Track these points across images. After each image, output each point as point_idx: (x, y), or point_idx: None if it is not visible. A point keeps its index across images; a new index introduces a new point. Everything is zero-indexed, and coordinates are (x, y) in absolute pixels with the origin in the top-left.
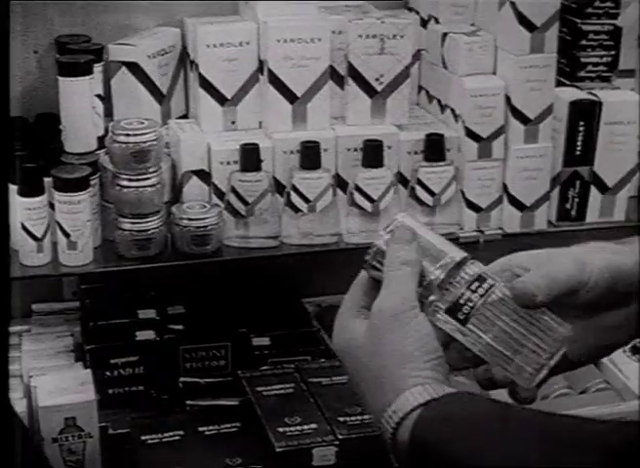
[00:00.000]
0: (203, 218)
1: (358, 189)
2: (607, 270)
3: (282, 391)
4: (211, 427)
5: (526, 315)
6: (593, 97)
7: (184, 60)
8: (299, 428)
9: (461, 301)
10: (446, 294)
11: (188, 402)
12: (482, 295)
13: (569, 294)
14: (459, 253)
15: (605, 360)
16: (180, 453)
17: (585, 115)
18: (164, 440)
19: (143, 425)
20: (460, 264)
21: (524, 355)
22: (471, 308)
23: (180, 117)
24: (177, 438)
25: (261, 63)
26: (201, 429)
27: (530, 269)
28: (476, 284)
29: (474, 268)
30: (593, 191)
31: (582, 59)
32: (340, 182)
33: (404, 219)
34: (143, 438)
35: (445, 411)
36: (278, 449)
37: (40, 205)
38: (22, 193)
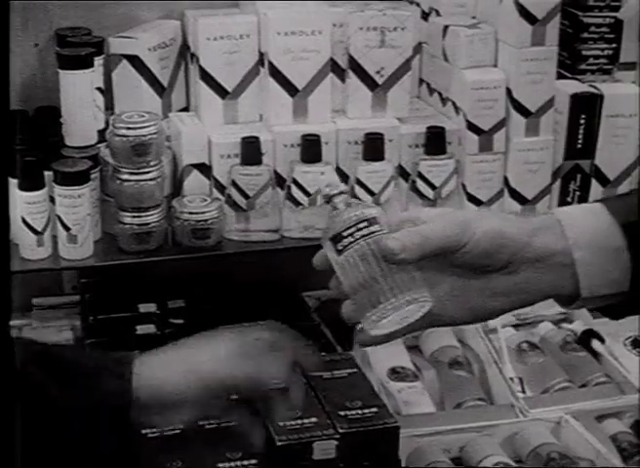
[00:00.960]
0: (204, 212)
1: (359, 182)
2: (490, 234)
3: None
4: (211, 421)
5: (389, 267)
6: (594, 90)
7: (185, 53)
8: (299, 422)
9: (344, 234)
10: (337, 224)
11: None
12: (364, 236)
13: (448, 253)
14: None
15: (605, 354)
16: (180, 447)
17: (587, 108)
18: (164, 433)
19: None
20: (361, 204)
21: (373, 300)
22: (349, 243)
23: (181, 110)
24: (177, 431)
25: (262, 56)
26: (201, 423)
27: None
28: (365, 223)
29: (371, 211)
30: (594, 184)
31: (584, 52)
32: (340, 176)
33: None
34: (144, 431)
35: None
36: (279, 443)
37: (40, 199)
38: (23, 187)
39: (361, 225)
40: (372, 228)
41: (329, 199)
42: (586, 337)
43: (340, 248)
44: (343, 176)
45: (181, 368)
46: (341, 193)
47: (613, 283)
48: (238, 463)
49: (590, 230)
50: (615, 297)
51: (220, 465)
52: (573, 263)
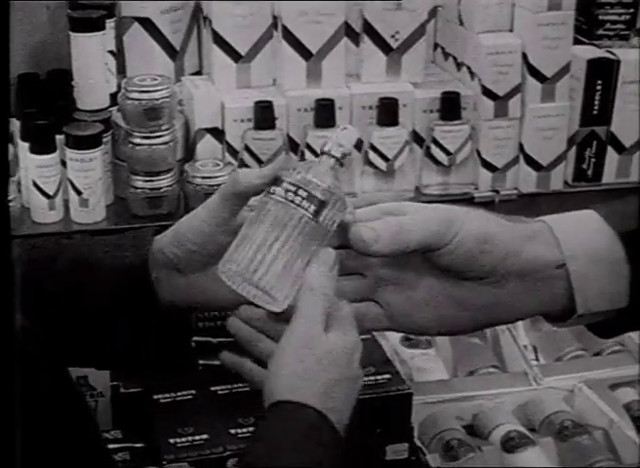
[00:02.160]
0: (216, 177)
1: (373, 148)
2: (476, 235)
3: None
4: (223, 386)
5: (283, 248)
6: (611, 56)
7: (198, 16)
8: None
9: (288, 186)
10: (296, 173)
11: (201, 361)
12: (297, 202)
13: (427, 251)
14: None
15: None
16: (192, 412)
17: (603, 74)
18: (176, 399)
19: (155, 384)
20: (332, 181)
21: (243, 255)
22: (280, 196)
23: (194, 74)
24: (189, 397)
25: (275, 19)
26: (213, 388)
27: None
28: (311, 197)
29: (331, 195)
30: (610, 151)
31: (601, 17)
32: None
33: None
34: (155, 397)
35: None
36: None
37: (52, 162)
38: (34, 150)
39: (305, 194)
40: (312, 206)
41: (322, 153)
42: None
43: (270, 190)
44: (357, 142)
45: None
46: (334, 158)
47: (611, 298)
48: (251, 429)
49: (587, 240)
50: (608, 314)
51: (233, 431)
52: (568, 277)
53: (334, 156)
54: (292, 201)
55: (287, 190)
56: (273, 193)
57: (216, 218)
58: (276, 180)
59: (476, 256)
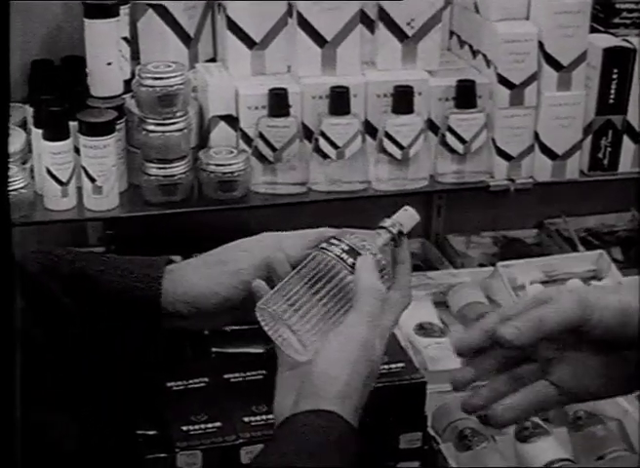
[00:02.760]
0: (230, 164)
1: (388, 136)
2: (612, 310)
3: None
4: (236, 374)
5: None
6: (628, 45)
7: (212, 3)
8: None
9: (338, 251)
10: (349, 239)
11: (214, 349)
12: (355, 260)
13: (568, 332)
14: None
15: None
16: (205, 400)
17: (619, 62)
18: (189, 386)
19: (169, 372)
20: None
21: (283, 295)
22: (328, 254)
23: (208, 61)
24: (202, 385)
25: (290, 6)
26: (226, 376)
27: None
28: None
29: (383, 256)
30: (626, 140)
31: (617, 6)
32: (369, 129)
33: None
34: (169, 384)
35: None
36: None
37: (65, 149)
38: (48, 137)
39: (357, 257)
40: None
41: (380, 227)
42: None
43: (323, 246)
44: (372, 130)
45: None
46: (391, 235)
47: None
48: (263, 417)
49: None
50: None
51: (246, 419)
52: None
53: (391, 232)
54: (343, 260)
55: (342, 250)
56: (326, 249)
57: (245, 283)
58: (330, 239)
59: (617, 329)
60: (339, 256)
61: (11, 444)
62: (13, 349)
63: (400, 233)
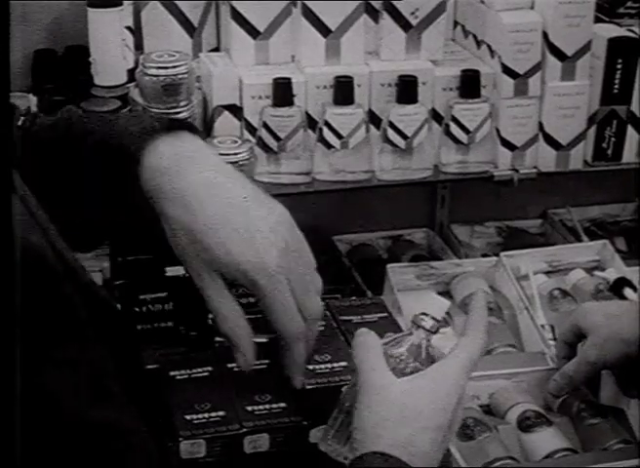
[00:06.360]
0: (234, 153)
1: (392, 125)
2: None
3: None
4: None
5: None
6: (632, 35)
7: None
8: (329, 366)
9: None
10: (391, 349)
11: (217, 338)
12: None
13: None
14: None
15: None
16: (208, 389)
17: (624, 53)
18: (193, 376)
19: (172, 361)
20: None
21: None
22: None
23: (212, 50)
24: (205, 374)
25: None
26: (230, 365)
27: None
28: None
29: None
30: (630, 131)
31: None
32: (373, 118)
33: None
34: (172, 373)
35: None
36: (308, 387)
37: None
38: None
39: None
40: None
41: (417, 326)
42: (619, 285)
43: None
44: (376, 119)
45: None
46: (429, 332)
47: None
48: (267, 406)
49: None
50: None
51: (249, 408)
52: None
53: (429, 331)
54: None
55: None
56: None
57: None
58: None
59: None
60: None
61: (11, 442)
62: (13, 349)
63: (436, 328)
